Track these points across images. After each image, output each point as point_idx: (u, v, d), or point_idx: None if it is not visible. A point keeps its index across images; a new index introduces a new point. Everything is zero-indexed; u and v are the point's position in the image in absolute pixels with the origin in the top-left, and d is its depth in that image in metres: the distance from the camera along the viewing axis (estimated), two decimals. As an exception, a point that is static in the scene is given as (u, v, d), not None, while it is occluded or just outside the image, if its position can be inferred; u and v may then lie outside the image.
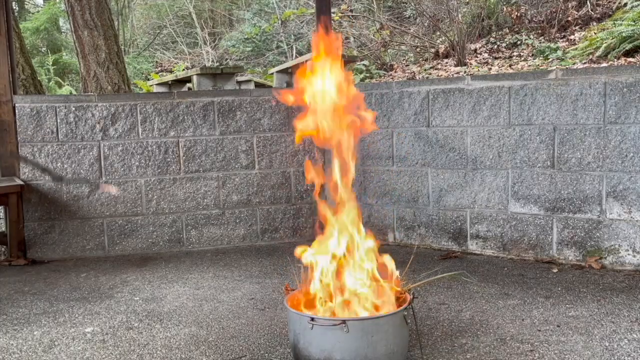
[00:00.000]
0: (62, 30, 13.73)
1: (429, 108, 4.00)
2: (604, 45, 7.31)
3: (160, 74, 11.55)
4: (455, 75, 7.85)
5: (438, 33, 10.16)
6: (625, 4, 8.30)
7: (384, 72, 9.48)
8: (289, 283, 2.41)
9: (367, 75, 9.33)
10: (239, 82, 7.92)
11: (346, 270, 2.22)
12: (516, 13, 9.66)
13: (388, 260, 2.25)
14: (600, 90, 3.37)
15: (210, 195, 4.32)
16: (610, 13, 8.72)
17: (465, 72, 8.12)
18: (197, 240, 4.33)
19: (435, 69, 8.81)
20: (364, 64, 9.66)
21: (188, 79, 7.92)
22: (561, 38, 8.82)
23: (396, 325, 2.10)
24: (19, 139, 4.09)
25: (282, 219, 4.44)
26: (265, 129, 4.39)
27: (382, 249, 2.36)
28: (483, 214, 3.84)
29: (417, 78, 8.51)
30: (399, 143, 4.15)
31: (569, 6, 9.28)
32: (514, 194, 3.71)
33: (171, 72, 11.50)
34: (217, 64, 12.12)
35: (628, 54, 7.17)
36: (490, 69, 8.16)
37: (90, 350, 2.49)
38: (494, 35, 9.63)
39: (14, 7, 13.09)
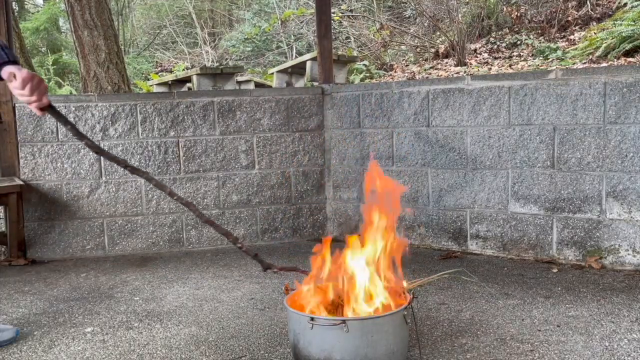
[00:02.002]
0: (62, 30, 13.73)
1: (429, 108, 4.00)
2: (604, 45, 7.31)
3: (160, 74, 11.55)
4: (455, 75, 7.85)
5: (438, 33, 10.16)
6: (625, 4, 8.31)
7: (384, 72, 9.49)
8: (288, 283, 2.41)
9: (367, 75, 9.33)
10: (239, 82, 7.93)
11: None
12: (516, 13, 9.66)
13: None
14: (600, 90, 3.37)
15: (210, 195, 4.32)
16: (610, 13, 8.73)
17: (465, 72, 8.12)
18: (197, 240, 4.32)
19: (435, 69, 8.82)
20: (364, 64, 9.67)
21: (188, 79, 7.93)
22: (561, 38, 8.82)
23: (396, 325, 2.10)
24: (19, 139, 4.09)
25: (282, 219, 4.44)
26: (265, 129, 4.39)
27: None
28: (483, 214, 3.84)
29: (417, 78, 8.51)
30: (398, 143, 4.15)
31: (569, 6, 9.28)
32: (514, 194, 3.71)
33: (171, 72, 11.50)
34: (217, 64, 12.13)
35: (628, 54, 7.18)
36: (490, 69, 8.16)
37: (90, 350, 2.49)
38: (494, 35, 9.63)
39: (14, 7, 13.09)
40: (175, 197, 2.28)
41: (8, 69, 2.06)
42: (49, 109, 2.14)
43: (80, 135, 2.22)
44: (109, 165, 4.17)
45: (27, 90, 2.05)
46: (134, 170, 2.27)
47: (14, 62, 2.10)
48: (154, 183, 2.28)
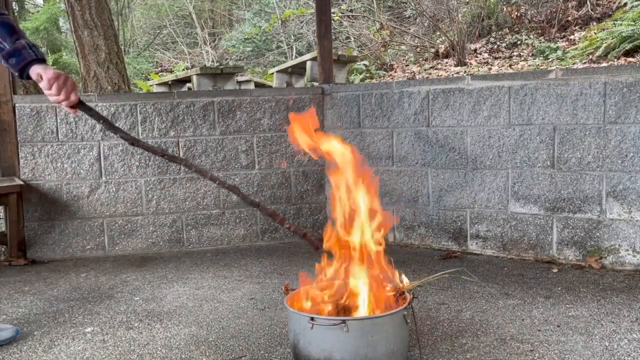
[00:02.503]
0: (62, 30, 13.73)
1: (429, 108, 4.00)
2: (604, 45, 7.32)
3: (160, 74, 11.55)
4: (455, 75, 7.85)
5: (438, 33, 10.16)
6: (625, 4, 8.31)
7: (384, 72, 9.49)
8: (288, 283, 2.41)
9: (367, 75, 9.34)
10: (239, 82, 7.93)
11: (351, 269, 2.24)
12: (516, 13, 9.67)
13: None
14: (600, 90, 3.37)
15: (210, 195, 4.32)
16: (610, 13, 8.73)
17: (465, 72, 8.12)
18: (197, 240, 4.32)
19: (435, 69, 8.82)
20: (364, 64, 9.67)
21: (188, 79, 7.93)
22: (561, 38, 8.82)
23: (396, 325, 2.10)
24: (19, 139, 4.09)
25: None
26: (265, 129, 4.39)
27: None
28: (483, 213, 3.84)
29: (417, 78, 8.51)
30: (398, 143, 4.15)
31: (569, 6, 9.28)
32: (514, 193, 3.71)
33: (171, 72, 11.50)
34: (217, 64, 12.13)
35: (628, 54, 7.18)
36: (490, 69, 8.16)
37: (90, 350, 2.49)
38: (494, 35, 9.64)
39: (14, 7, 13.09)
40: (217, 182, 2.28)
41: (35, 70, 2.05)
42: (79, 106, 2.13)
43: (114, 129, 2.22)
44: (109, 165, 4.17)
45: (54, 90, 2.04)
46: (173, 159, 2.28)
47: (42, 59, 2.09)
48: (194, 170, 2.29)
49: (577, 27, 8.94)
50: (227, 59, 12.80)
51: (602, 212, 3.41)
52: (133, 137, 2.24)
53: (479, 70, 8.15)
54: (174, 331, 2.67)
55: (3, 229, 4.21)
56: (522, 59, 8.38)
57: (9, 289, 3.42)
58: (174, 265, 3.85)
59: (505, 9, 9.86)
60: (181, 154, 4.25)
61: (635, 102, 3.26)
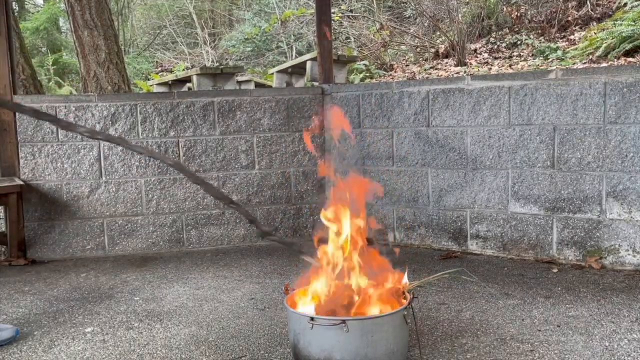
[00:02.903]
0: (62, 30, 13.73)
1: (429, 108, 4.00)
2: (604, 45, 7.31)
3: (160, 74, 11.55)
4: (455, 75, 7.85)
5: (438, 33, 10.16)
6: (625, 4, 8.31)
7: (384, 72, 9.48)
8: (288, 283, 2.41)
9: (367, 75, 9.33)
10: (239, 82, 7.93)
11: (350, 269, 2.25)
12: (516, 13, 9.66)
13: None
14: (600, 90, 3.37)
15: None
16: (610, 13, 8.72)
17: (465, 72, 8.12)
18: (197, 240, 4.32)
19: (435, 69, 8.82)
20: (364, 64, 9.66)
21: (188, 79, 7.93)
22: (561, 38, 8.82)
23: (396, 325, 2.10)
24: (19, 139, 4.09)
25: (282, 219, 4.44)
26: (265, 129, 4.39)
27: (382, 249, 2.37)
28: (483, 214, 3.84)
29: (417, 78, 8.51)
30: (399, 143, 4.15)
31: (569, 6, 9.28)
32: (514, 194, 3.71)
33: (171, 72, 11.50)
34: (217, 64, 12.12)
35: (628, 54, 7.17)
36: (490, 69, 8.16)
37: (90, 350, 2.49)
38: (494, 35, 9.63)
39: (14, 7, 13.09)
40: (166, 162, 2.22)
41: None
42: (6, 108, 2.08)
43: (41, 115, 2.17)
44: (109, 165, 4.17)
45: None
46: (110, 139, 2.22)
47: None
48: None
49: (577, 27, 8.94)
50: (227, 59, 12.79)
51: (602, 212, 3.41)
52: (66, 121, 2.18)
53: (479, 70, 8.15)
54: (174, 331, 2.67)
55: (3, 229, 4.21)
56: (522, 59, 8.37)
57: (9, 289, 3.42)
58: (174, 265, 3.85)
59: (505, 9, 9.85)
60: (181, 154, 4.25)
61: (635, 102, 3.26)
